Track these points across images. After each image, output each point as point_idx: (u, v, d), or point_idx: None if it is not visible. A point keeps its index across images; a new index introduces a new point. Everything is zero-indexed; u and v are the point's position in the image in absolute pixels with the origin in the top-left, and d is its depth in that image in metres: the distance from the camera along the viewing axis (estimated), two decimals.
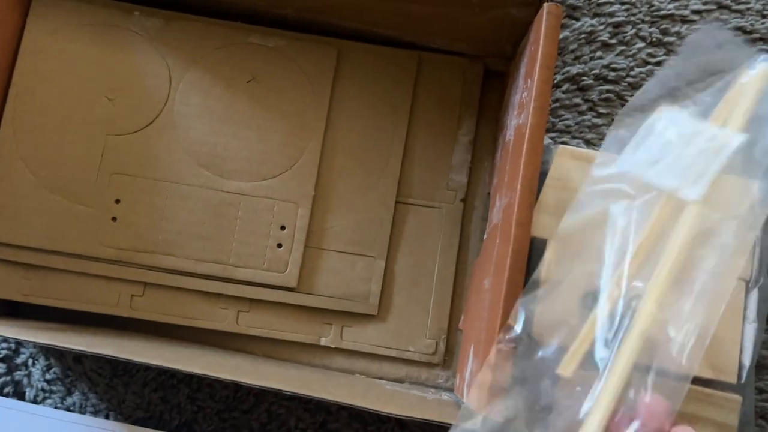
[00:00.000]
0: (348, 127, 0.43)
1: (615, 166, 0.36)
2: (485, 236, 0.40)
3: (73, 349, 0.32)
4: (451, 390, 0.42)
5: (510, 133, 0.36)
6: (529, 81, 0.33)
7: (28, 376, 0.46)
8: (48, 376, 0.45)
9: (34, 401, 0.45)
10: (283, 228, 0.41)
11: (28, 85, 0.41)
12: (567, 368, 0.36)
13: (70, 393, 0.45)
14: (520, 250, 0.30)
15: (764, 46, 0.48)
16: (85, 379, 0.45)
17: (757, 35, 0.48)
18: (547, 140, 0.45)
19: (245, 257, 0.41)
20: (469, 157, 0.44)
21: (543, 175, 0.43)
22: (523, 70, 0.35)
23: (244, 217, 0.41)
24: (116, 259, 0.40)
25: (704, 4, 0.49)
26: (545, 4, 0.33)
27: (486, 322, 0.32)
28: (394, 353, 0.42)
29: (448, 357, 0.43)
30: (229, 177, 0.41)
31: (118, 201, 0.40)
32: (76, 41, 0.41)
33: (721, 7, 0.49)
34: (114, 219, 0.40)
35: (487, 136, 0.44)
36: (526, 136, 0.31)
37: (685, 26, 0.49)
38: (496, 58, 0.43)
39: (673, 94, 0.37)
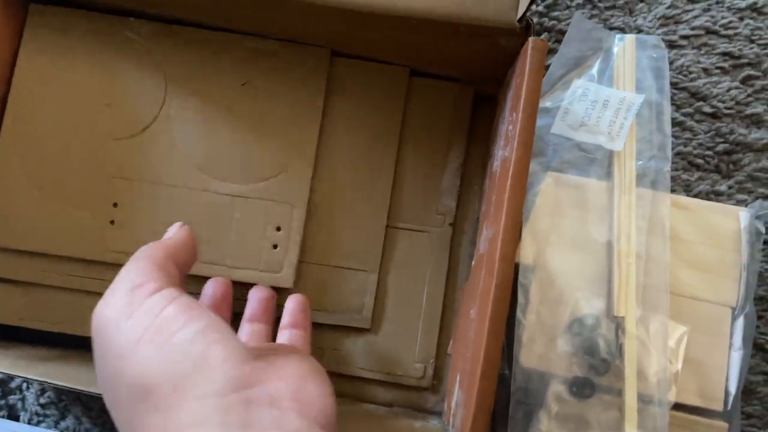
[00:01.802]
0: (341, 137, 0.43)
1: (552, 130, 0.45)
2: (473, 262, 0.41)
3: (61, 386, 0.32)
4: (440, 414, 0.42)
5: (496, 164, 0.37)
6: (514, 114, 0.33)
7: (23, 400, 0.46)
8: (42, 400, 0.46)
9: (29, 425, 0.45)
10: (278, 229, 0.41)
11: (26, 94, 0.41)
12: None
13: (63, 417, 0.46)
14: (503, 286, 0.30)
15: (752, 71, 0.49)
16: (78, 404, 0.46)
17: (746, 60, 0.49)
18: (535, 166, 0.45)
19: (242, 259, 0.41)
20: (458, 181, 0.44)
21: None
22: (509, 103, 0.36)
23: (240, 218, 0.41)
24: (115, 263, 0.39)
25: (692, 29, 0.49)
26: (530, 39, 0.33)
27: (471, 353, 0.33)
28: (382, 377, 0.42)
29: (437, 381, 0.43)
30: (225, 179, 0.41)
31: (116, 205, 0.41)
32: (72, 49, 0.41)
33: (709, 32, 0.49)
34: (112, 222, 0.40)
35: (477, 160, 0.45)
36: (510, 171, 0.31)
37: (674, 51, 0.49)
38: (487, 83, 0.43)
39: (571, 71, 0.46)
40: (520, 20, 0.34)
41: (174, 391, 0.24)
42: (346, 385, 0.43)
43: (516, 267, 0.43)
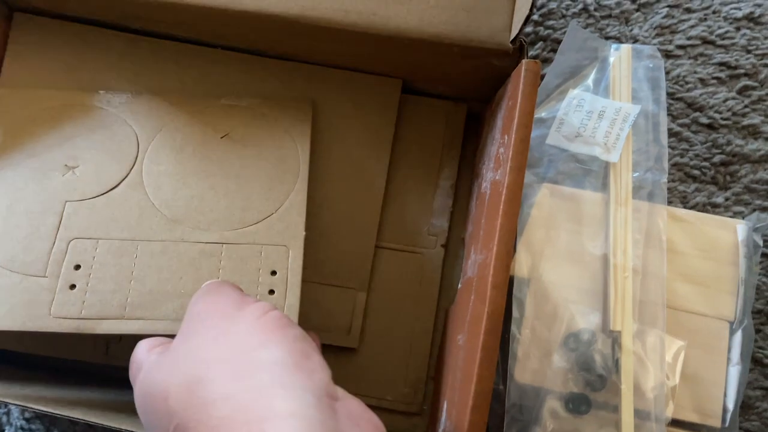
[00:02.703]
0: (332, 154, 0.42)
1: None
2: (459, 285, 0.40)
3: (38, 410, 0.31)
4: None
5: (486, 185, 0.36)
6: (506, 137, 0.32)
7: (8, 414, 0.45)
8: (27, 415, 0.45)
9: None
10: (274, 273, 0.38)
11: None
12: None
13: (49, 431, 0.45)
14: (495, 314, 0.29)
15: (749, 82, 0.48)
16: (64, 419, 0.45)
17: (742, 71, 0.48)
18: (530, 177, 0.44)
19: None
20: (451, 201, 0.43)
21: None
22: (500, 123, 0.35)
23: (227, 266, 0.37)
24: (75, 332, 0.35)
25: (688, 39, 0.49)
26: (524, 61, 0.32)
27: (459, 383, 0.32)
28: (371, 402, 0.41)
29: (426, 406, 0.42)
30: (208, 228, 0.38)
31: (78, 267, 0.37)
32: (34, 120, 0.40)
33: (705, 42, 0.49)
34: (72, 287, 0.36)
35: (468, 180, 0.44)
36: (503, 196, 0.30)
37: (670, 61, 0.49)
38: (478, 101, 0.43)
39: (566, 81, 0.46)
40: (513, 41, 0.33)
41: (279, 374, 0.25)
42: None
43: (510, 280, 0.42)
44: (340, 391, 0.27)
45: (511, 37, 0.33)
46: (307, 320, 0.40)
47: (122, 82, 0.41)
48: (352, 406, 0.27)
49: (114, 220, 0.38)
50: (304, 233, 0.39)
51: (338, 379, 0.41)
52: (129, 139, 0.40)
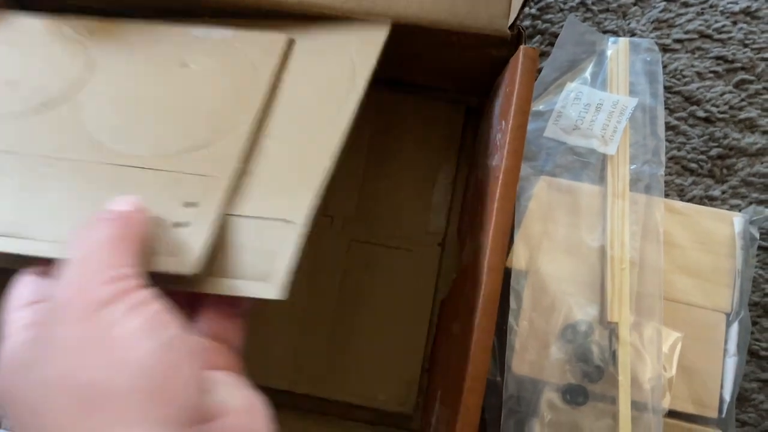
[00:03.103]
0: (292, 97, 0.35)
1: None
2: (455, 275, 0.40)
3: None
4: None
5: (483, 173, 0.36)
6: (503, 123, 0.32)
7: None
8: None
9: None
10: (193, 205, 0.31)
11: None
12: None
13: None
14: (491, 296, 0.29)
15: (746, 75, 0.48)
16: None
17: (739, 65, 0.48)
18: (528, 170, 0.44)
19: None
20: (448, 199, 0.43)
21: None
22: (497, 110, 0.35)
23: (144, 193, 0.30)
24: None
25: (686, 33, 0.49)
26: (521, 47, 0.32)
27: (454, 369, 0.32)
28: (363, 401, 0.41)
29: (421, 399, 0.41)
30: (133, 151, 0.33)
31: None
32: None
33: (702, 36, 0.49)
34: None
35: (461, 174, 0.44)
36: (500, 180, 0.30)
37: (667, 55, 0.49)
38: (477, 96, 0.43)
39: (564, 74, 0.46)
40: (511, 28, 0.33)
41: (130, 408, 0.21)
42: (327, 407, 0.41)
43: (508, 272, 0.42)
44: (221, 401, 0.23)
45: (509, 24, 0.33)
46: (222, 263, 0.30)
47: (92, 19, 0.38)
48: (232, 422, 0.23)
49: (43, 138, 0.33)
50: (236, 166, 0.32)
51: (328, 377, 0.41)
52: (79, 56, 0.36)
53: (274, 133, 0.34)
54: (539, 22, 0.50)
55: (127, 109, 0.35)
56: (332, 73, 0.36)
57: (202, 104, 0.35)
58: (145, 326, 0.23)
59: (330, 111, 0.34)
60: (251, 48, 0.37)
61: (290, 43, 0.37)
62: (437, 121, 0.43)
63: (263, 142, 0.33)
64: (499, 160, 0.31)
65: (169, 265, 0.29)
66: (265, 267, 0.29)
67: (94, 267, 0.24)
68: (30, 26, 0.39)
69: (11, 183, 0.32)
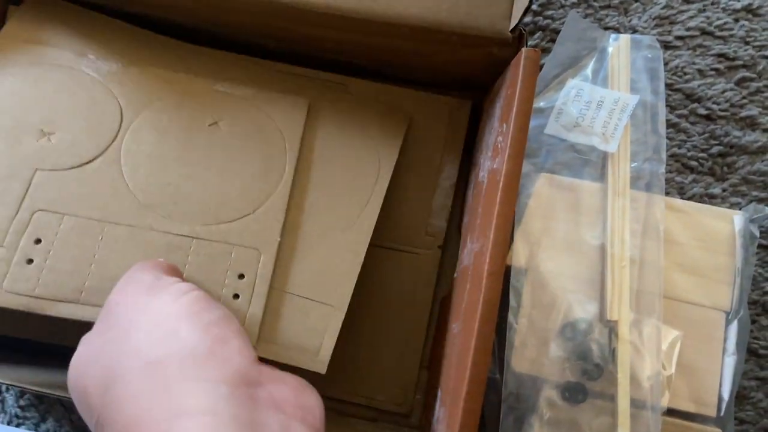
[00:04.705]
0: (323, 170, 0.39)
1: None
2: (455, 274, 0.40)
3: (34, 391, 0.31)
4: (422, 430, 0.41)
5: (483, 174, 0.36)
6: (504, 126, 0.32)
7: (2, 401, 0.45)
8: (22, 402, 0.45)
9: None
10: (242, 276, 0.35)
11: None
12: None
13: (44, 419, 0.45)
14: (491, 301, 0.29)
15: (747, 73, 0.48)
16: (59, 406, 0.45)
17: (740, 62, 0.48)
18: (528, 167, 0.44)
19: None
20: (450, 201, 0.42)
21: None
22: (498, 112, 0.35)
23: (194, 262, 0.35)
24: (25, 310, 0.33)
25: (687, 30, 0.49)
26: (523, 49, 0.32)
27: (454, 370, 0.32)
28: (361, 401, 0.40)
29: (420, 395, 0.41)
30: (180, 219, 0.36)
31: (38, 241, 0.34)
32: (14, 75, 0.38)
33: (704, 33, 0.49)
34: (30, 262, 0.34)
35: (462, 172, 0.43)
36: (500, 184, 0.30)
37: (669, 52, 0.49)
38: (478, 92, 0.42)
39: (565, 70, 0.46)
40: (512, 30, 0.33)
41: (189, 367, 0.24)
42: (326, 403, 0.41)
43: (508, 269, 0.42)
44: (267, 374, 0.26)
45: (511, 26, 0.33)
46: (273, 331, 0.36)
47: (114, 48, 0.39)
48: (278, 390, 0.26)
49: (84, 196, 0.35)
50: (278, 239, 0.36)
51: (327, 376, 0.40)
52: (112, 113, 0.37)
53: (307, 209, 0.38)
54: (540, 18, 0.49)
55: (167, 169, 0.37)
56: (358, 155, 0.39)
57: (237, 171, 0.37)
58: (192, 306, 0.27)
59: (360, 198, 0.38)
60: (274, 110, 0.39)
61: (310, 108, 0.40)
62: (440, 120, 0.42)
63: (298, 217, 0.37)
64: (500, 164, 0.31)
65: None
66: (314, 343, 0.35)
67: (134, 287, 0.29)
68: (56, 62, 0.39)
69: (67, 248, 0.34)
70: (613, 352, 0.40)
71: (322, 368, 0.35)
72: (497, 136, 0.33)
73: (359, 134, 0.40)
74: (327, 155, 0.39)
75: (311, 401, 0.26)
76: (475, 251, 0.33)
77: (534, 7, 0.49)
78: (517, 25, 0.33)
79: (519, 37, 0.34)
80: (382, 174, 0.39)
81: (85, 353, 0.27)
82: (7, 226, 0.34)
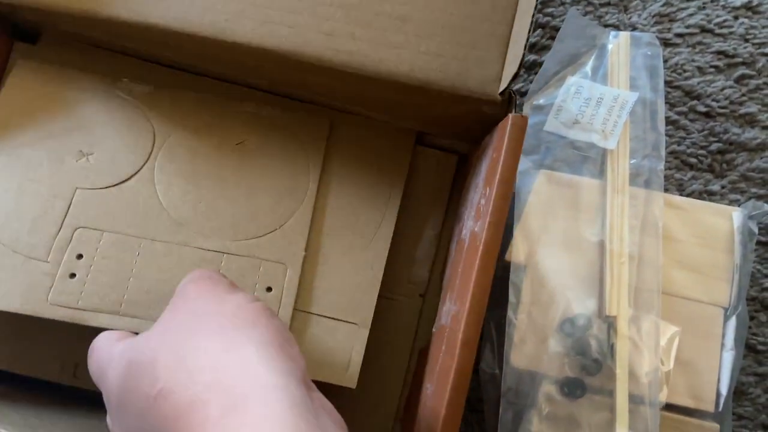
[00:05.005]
0: (340, 190, 0.41)
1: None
2: (434, 329, 0.39)
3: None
4: None
5: (466, 233, 0.35)
6: (488, 190, 0.32)
7: None
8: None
9: None
10: (269, 290, 0.38)
11: None
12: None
13: None
14: (463, 372, 0.29)
15: (746, 71, 0.48)
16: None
17: (740, 59, 0.49)
18: (528, 164, 0.45)
19: None
20: (434, 251, 0.42)
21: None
22: (483, 172, 0.35)
23: (226, 276, 0.36)
24: (70, 321, 0.35)
25: (687, 27, 0.49)
26: (510, 115, 0.32)
27: None
28: None
29: None
30: (211, 235, 0.38)
31: (80, 256, 0.37)
32: (54, 100, 0.39)
33: (704, 30, 0.49)
34: (73, 276, 0.36)
35: (448, 221, 0.43)
36: (480, 250, 0.30)
37: (668, 49, 0.49)
38: (467, 142, 0.42)
39: (565, 68, 0.46)
40: (502, 93, 0.33)
41: (266, 353, 0.26)
42: None
43: (507, 265, 0.43)
44: (312, 385, 0.28)
45: (501, 89, 0.33)
46: (301, 349, 0.36)
47: (146, 72, 0.41)
48: (322, 399, 0.27)
49: (121, 213, 0.38)
50: (303, 253, 0.38)
51: None
52: (146, 133, 0.40)
53: (327, 228, 0.40)
54: (540, 15, 0.50)
55: (198, 187, 0.39)
56: (371, 173, 0.41)
57: (265, 188, 0.40)
58: (264, 310, 0.29)
59: (375, 217, 0.40)
60: (298, 129, 0.41)
61: (331, 128, 0.42)
62: (427, 170, 0.43)
63: (319, 236, 0.39)
64: (480, 229, 0.31)
65: None
66: (344, 359, 0.37)
67: (212, 283, 0.31)
68: (91, 86, 0.41)
69: (107, 263, 0.37)
70: (611, 348, 0.41)
71: (352, 383, 0.37)
72: (480, 197, 0.33)
73: (373, 154, 0.41)
74: (343, 173, 0.41)
75: (341, 419, 0.28)
76: (452, 313, 0.33)
77: None
78: (506, 88, 0.33)
79: (508, 100, 0.34)
80: (394, 192, 0.41)
81: (155, 331, 0.29)
82: (51, 242, 0.36)
